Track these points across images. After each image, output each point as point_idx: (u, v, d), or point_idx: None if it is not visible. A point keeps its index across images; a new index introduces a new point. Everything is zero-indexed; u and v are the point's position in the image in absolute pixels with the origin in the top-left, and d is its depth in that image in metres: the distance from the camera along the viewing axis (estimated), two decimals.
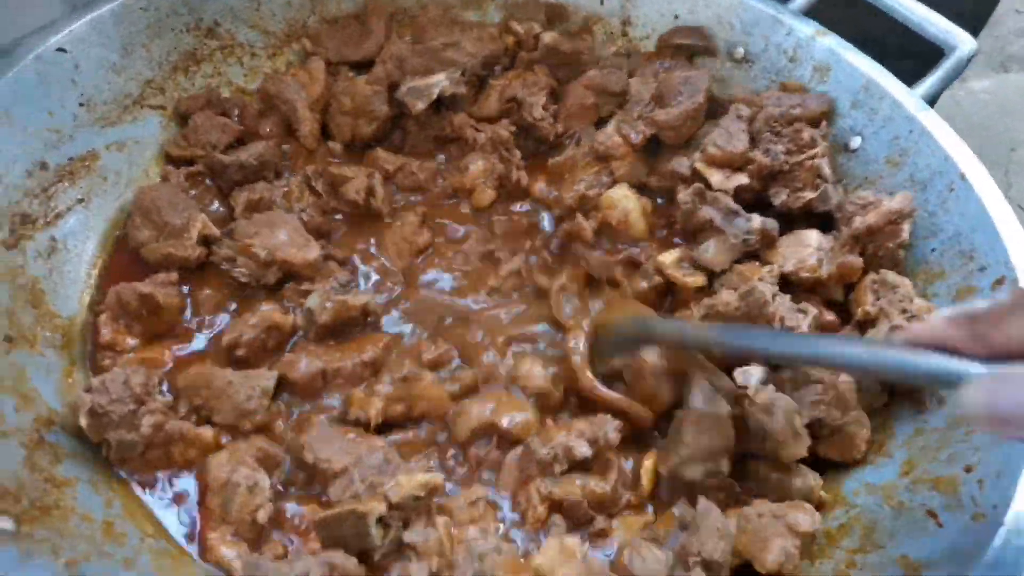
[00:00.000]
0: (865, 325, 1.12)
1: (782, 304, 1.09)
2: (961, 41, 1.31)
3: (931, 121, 1.23)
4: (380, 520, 0.94)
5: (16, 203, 1.11)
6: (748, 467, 1.06)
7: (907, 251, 1.19)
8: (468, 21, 1.52)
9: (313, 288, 1.15)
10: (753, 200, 1.27)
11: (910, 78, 1.31)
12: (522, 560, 0.95)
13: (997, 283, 1.05)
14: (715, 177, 1.24)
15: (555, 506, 1.01)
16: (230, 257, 1.19)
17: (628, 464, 1.07)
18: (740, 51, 1.44)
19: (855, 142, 1.31)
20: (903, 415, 1.07)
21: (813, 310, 1.11)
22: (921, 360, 0.78)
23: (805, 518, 0.97)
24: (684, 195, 1.23)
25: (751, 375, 1.07)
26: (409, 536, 0.95)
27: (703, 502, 0.97)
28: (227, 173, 1.26)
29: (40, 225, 1.14)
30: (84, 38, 1.22)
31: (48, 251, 1.14)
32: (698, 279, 1.19)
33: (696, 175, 1.27)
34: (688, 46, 1.46)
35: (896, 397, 1.08)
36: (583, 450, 1.01)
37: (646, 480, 1.05)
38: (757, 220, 1.19)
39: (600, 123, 1.41)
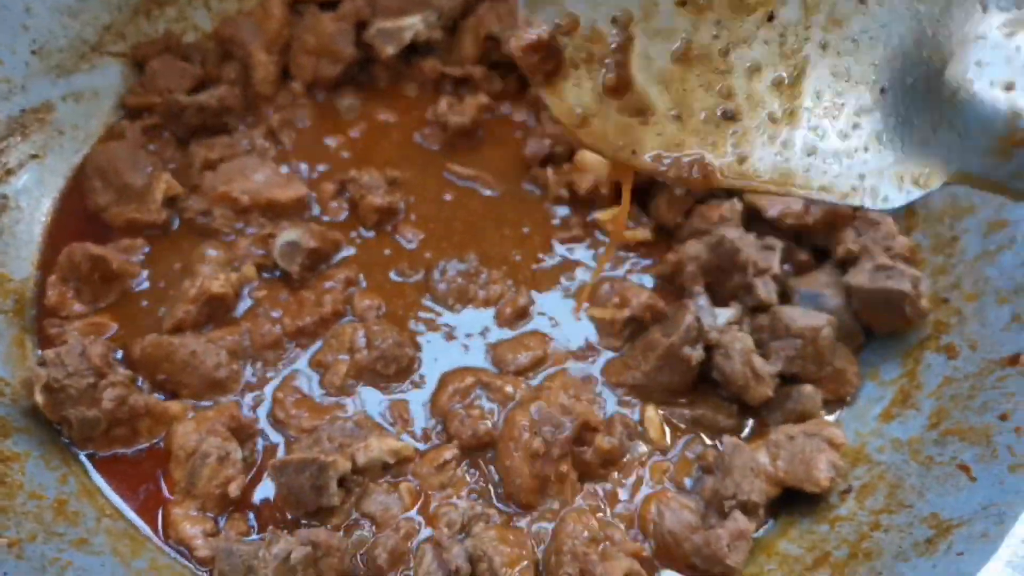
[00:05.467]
0: (847, 263, 1.06)
1: (750, 247, 1.04)
2: None
3: None
4: (342, 482, 0.87)
5: None
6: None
7: None
8: None
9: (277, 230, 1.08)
10: None
11: None
12: (515, 529, 0.88)
13: None
14: None
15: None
16: (204, 210, 1.11)
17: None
18: None
19: None
20: (933, 363, 0.97)
21: (779, 243, 1.07)
22: None
23: (837, 431, 0.94)
24: None
25: (720, 315, 1.01)
26: (367, 505, 0.88)
27: (728, 440, 0.91)
28: (185, 117, 1.17)
29: None
30: None
31: None
32: (637, 233, 1.13)
33: None
34: None
35: (871, 338, 1.04)
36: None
37: (653, 431, 0.98)
38: None
39: None
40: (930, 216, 1.08)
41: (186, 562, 0.87)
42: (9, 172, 1.08)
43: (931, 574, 0.74)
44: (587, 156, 1.18)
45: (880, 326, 1.02)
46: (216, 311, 1.02)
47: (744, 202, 1.12)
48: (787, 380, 0.99)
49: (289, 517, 0.89)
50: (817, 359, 0.98)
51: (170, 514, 0.88)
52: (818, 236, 1.10)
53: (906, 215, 1.12)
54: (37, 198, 1.11)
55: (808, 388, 0.98)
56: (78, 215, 1.11)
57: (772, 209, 1.10)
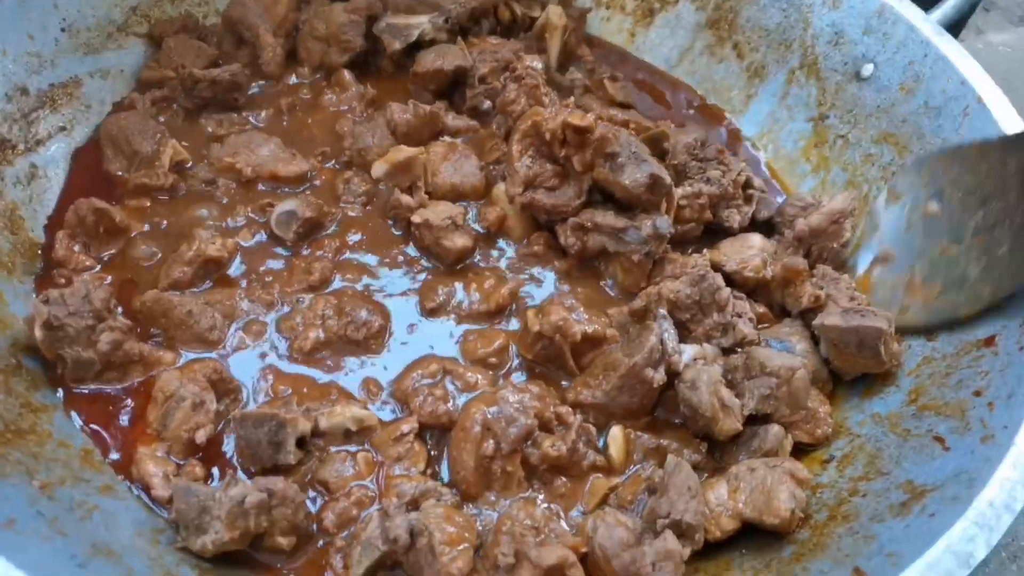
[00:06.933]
0: (810, 312, 1.06)
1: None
2: None
3: (947, 45, 1.18)
4: (302, 443, 0.90)
5: None
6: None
7: (849, 250, 1.16)
8: None
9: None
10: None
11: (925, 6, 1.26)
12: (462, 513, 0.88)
13: None
14: None
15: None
16: (209, 179, 1.16)
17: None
18: None
19: (867, 70, 1.26)
20: (913, 344, 1.03)
21: (742, 294, 1.08)
22: None
23: (801, 466, 0.91)
24: (565, 238, 1.12)
25: (686, 351, 0.99)
26: (322, 472, 0.90)
27: (671, 459, 0.90)
28: (198, 90, 1.22)
29: (20, 151, 1.11)
30: None
31: (28, 178, 1.11)
32: (598, 328, 1.02)
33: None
34: None
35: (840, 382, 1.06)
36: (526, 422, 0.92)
37: (615, 450, 0.96)
38: (647, 226, 1.08)
39: None
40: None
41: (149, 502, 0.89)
42: (39, 143, 1.13)
43: (904, 533, 0.79)
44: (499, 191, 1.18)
45: (850, 368, 1.03)
46: (211, 273, 1.06)
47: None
48: (757, 420, 0.97)
49: (251, 470, 0.91)
50: (792, 400, 0.95)
51: (136, 452, 0.91)
52: (775, 291, 1.11)
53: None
54: (64, 169, 1.16)
55: (776, 428, 0.95)
56: (96, 181, 1.15)
57: (730, 263, 1.11)
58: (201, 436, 0.91)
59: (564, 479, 0.94)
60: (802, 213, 1.16)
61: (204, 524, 0.81)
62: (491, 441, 0.91)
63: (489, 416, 0.91)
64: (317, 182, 1.20)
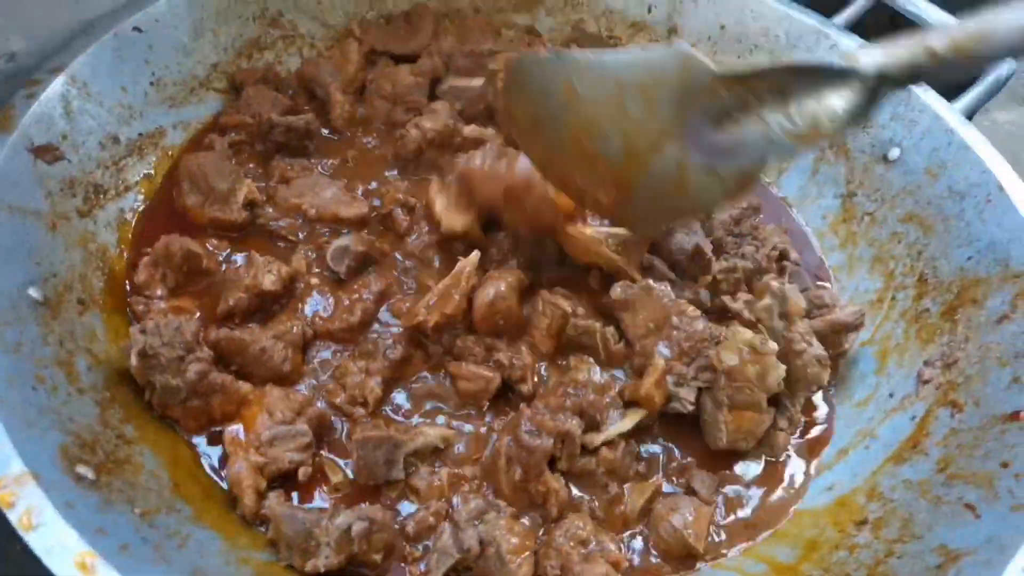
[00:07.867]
0: None
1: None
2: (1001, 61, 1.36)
3: (970, 135, 1.27)
4: (406, 458, 1.01)
5: (90, 173, 1.16)
6: None
7: (844, 359, 1.23)
8: (515, 27, 1.57)
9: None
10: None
11: (948, 96, 1.35)
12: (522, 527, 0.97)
13: None
14: None
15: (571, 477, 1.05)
16: (276, 218, 1.24)
17: None
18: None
19: (894, 153, 1.35)
20: (940, 415, 1.10)
21: None
22: None
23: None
24: None
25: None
26: (415, 480, 1.02)
27: None
28: (273, 135, 1.30)
29: (111, 196, 1.18)
30: (159, 19, 1.27)
31: (117, 222, 1.18)
32: None
33: None
34: None
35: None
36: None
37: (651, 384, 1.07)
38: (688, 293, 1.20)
39: None
40: (939, 285, 1.22)
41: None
42: (127, 189, 1.21)
43: None
44: None
45: None
46: (267, 303, 1.13)
47: None
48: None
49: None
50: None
51: (235, 454, 0.98)
52: None
53: (917, 282, 1.25)
54: None
55: None
56: (166, 212, 1.23)
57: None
58: (303, 474, 1.00)
59: (615, 485, 1.05)
60: (815, 312, 1.22)
61: (311, 548, 0.90)
62: (520, 473, 1.00)
63: (510, 447, 1.01)
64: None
